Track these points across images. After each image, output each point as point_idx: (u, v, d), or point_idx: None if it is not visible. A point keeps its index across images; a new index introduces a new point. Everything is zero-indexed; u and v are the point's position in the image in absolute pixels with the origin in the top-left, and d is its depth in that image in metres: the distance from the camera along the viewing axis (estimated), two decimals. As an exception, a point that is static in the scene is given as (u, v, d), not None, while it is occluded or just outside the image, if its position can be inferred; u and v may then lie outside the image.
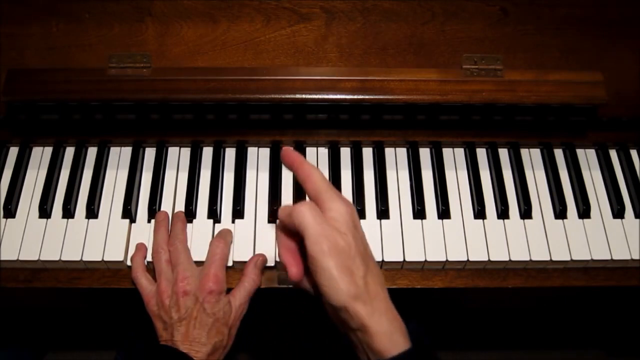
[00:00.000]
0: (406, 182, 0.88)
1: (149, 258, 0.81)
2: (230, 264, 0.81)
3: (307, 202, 0.60)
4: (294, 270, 0.60)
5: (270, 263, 0.81)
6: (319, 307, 0.75)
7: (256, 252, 0.81)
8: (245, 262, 0.80)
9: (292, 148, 0.74)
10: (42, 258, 0.81)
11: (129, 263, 0.81)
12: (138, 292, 0.79)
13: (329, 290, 0.55)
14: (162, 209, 0.85)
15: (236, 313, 0.76)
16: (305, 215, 0.57)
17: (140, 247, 0.81)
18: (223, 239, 0.80)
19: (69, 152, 0.90)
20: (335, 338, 1.00)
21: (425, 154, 0.90)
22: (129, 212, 0.84)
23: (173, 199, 0.86)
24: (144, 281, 0.78)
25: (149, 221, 0.84)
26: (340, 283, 0.54)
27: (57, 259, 0.81)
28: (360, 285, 0.55)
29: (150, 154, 0.90)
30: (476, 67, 0.87)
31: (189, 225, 0.84)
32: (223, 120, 0.88)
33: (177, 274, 0.76)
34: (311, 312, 0.80)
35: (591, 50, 0.88)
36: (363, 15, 0.88)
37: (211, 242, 0.80)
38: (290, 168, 0.65)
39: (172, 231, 0.81)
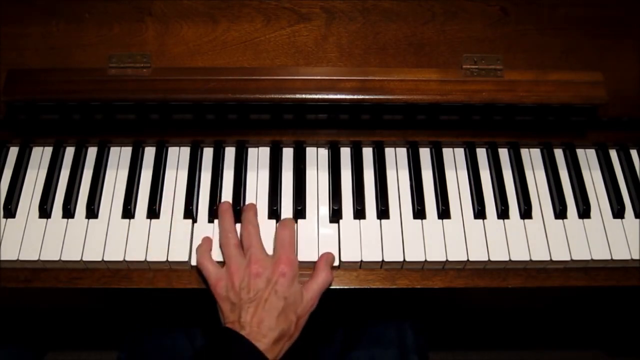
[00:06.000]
0: (406, 182, 0.88)
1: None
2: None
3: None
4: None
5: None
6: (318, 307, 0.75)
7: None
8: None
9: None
10: (42, 258, 0.81)
11: (128, 258, 0.81)
12: (140, 291, 0.79)
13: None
14: (162, 208, 0.85)
15: (306, 304, 0.75)
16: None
17: (206, 239, 0.82)
18: (288, 227, 0.80)
19: (69, 152, 0.90)
20: (331, 337, 1.00)
21: (425, 154, 0.90)
22: (129, 212, 0.84)
23: (173, 199, 0.86)
24: (210, 266, 0.78)
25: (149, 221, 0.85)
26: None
27: (57, 259, 0.81)
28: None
29: (150, 154, 0.90)
30: (476, 67, 0.87)
31: (188, 225, 0.84)
32: (223, 120, 0.88)
33: (250, 255, 0.76)
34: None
35: (591, 50, 0.88)
36: (363, 15, 0.88)
37: (277, 230, 0.80)
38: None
39: (244, 217, 0.81)
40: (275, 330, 0.71)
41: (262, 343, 0.70)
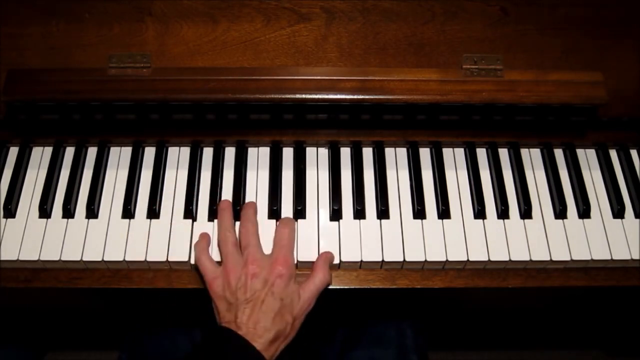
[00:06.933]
0: (406, 182, 0.88)
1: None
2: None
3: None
4: None
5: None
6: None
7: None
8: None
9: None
10: (42, 258, 0.81)
11: (128, 258, 0.81)
12: (140, 291, 0.79)
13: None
14: (162, 209, 0.85)
15: (303, 305, 0.75)
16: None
17: (204, 235, 0.81)
18: (288, 226, 0.80)
19: (69, 152, 0.90)
20: (331, 337, 1.00)
21: (425, 154, 0.90)
22: (129, 212, 0.84)
23: (173, 199, 0.86)
24: (207, 263, 0.77)
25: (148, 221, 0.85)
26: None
27: (57, 259, 0.81)
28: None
29: (150, 154, 0.90)
30: (476, 67, 0.87)
31: (188, 225, 0.84)
32: (223, 120, 0.88)
33: (247, 255, 0.75)
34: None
35: (591, 50, 0.89)
36: (363, 15, 0.88)
37: (277, 228, 0.80)
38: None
39: (244, 215, 0.81)
40: (272, 330, 0.71)
41: (258, 343, 0.70)
